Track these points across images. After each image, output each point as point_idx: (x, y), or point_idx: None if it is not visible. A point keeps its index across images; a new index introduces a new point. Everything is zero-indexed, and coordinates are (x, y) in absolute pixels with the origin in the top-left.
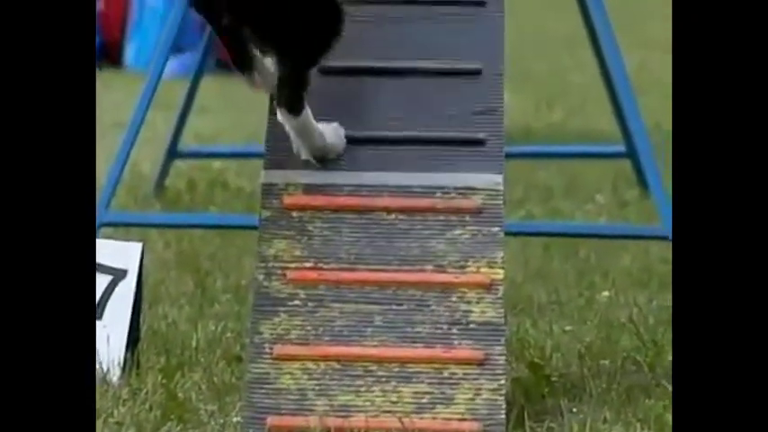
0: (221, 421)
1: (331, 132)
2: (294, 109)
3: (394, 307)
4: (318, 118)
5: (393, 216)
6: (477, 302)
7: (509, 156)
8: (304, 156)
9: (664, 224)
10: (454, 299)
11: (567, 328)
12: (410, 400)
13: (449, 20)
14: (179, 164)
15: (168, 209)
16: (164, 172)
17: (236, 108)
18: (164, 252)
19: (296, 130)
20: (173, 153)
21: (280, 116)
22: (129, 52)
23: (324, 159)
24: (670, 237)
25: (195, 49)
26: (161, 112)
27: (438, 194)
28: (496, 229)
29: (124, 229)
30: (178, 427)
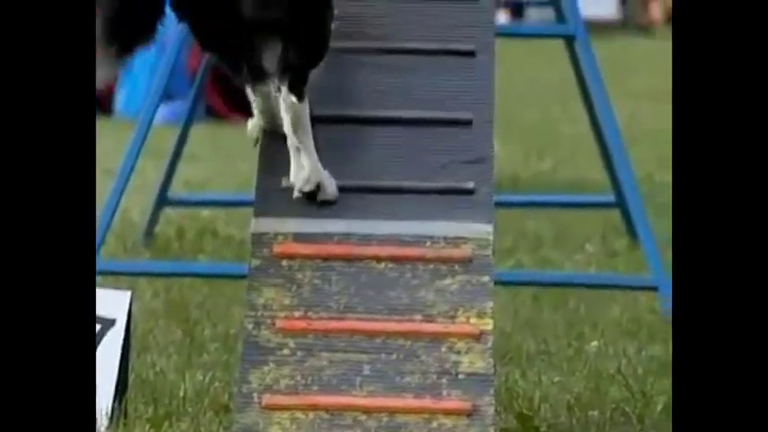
0: None
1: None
2: (295, 88)
3: (383, 356)
4: None
5: (383, 265)
6: (467, 353)
7: (498, 204)
8: (298, 185)
9: (653, 274)
10: (443, 349)
11: (556, 378)
12: None
13: (440, 70)
14: (168, 211)
15: (157, 257)
16: (153, 220)
17: (225, 156)
18: (152, 301)
19: (293, 119)
20: (162, 201)
21: (281, 99)
22: (119, 99)
23: (315, 197)
24: (659, 287)
25: (185, 97)
26: (151, 159)
27: (428, 244)
28: (486, 278)
29: (113, 276)
30: None
